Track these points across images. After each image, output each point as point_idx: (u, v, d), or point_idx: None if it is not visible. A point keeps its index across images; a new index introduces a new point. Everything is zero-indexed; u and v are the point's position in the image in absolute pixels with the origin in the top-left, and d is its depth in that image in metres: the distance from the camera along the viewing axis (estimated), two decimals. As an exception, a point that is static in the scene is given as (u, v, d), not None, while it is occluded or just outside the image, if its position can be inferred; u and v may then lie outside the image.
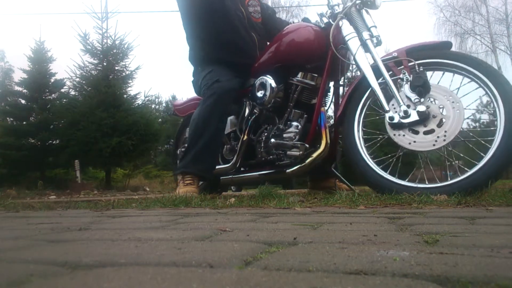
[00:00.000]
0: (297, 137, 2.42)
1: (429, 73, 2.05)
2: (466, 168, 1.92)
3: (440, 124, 1.95)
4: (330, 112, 3.51)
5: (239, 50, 2.72)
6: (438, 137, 1.93)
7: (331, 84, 2.61)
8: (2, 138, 9.21)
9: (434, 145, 1.94)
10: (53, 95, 9.91)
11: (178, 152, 3.34)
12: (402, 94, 2.03)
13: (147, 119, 8.61)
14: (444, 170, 2.99)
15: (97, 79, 8.61)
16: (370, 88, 2.16)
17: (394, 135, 2.04)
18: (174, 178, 3.52)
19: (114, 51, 9.02)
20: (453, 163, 2.11)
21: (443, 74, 2.10)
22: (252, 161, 2.69)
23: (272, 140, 2.46)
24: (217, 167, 2.77)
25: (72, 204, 2.32)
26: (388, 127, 2.07)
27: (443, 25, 19.14)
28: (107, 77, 8.73)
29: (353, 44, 2.23)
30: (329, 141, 2.33)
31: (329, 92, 2.64)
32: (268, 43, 2.76)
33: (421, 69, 1.99)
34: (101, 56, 8.99)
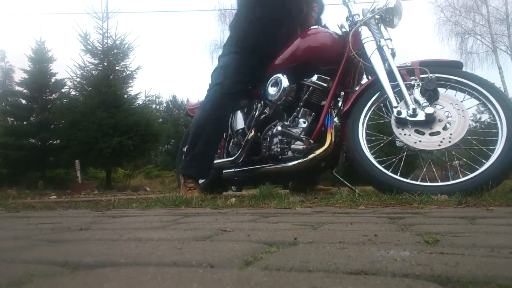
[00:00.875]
0: (303, 133, 2.46)
1: (440, 90, 2.11)
2: (467, 172, 1.95)
3: (445, 128, 2.01)
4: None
5: (276, 41, 2.72)
6: (443, 138, 1.98)
7: (343, 93, 2.67)
8: (2, 138, 9.22)
9: (439, 145, 1.98)
10: (53, 95, 9.92)
11: (185, 149, 3.41)
12: (412, 97, 2.08)
13: (148, 119, 8.61)
14: (445, 170, 3.00)
15: (98, 79, 8.62)
16: (378, 93, 2.23)
17: (400, 134, 2.08)
18: (176, 176, 3.58)
19: (115, 51, 9.03)
20: (453, 163, 2.13)
21: (447, 89, 2.17)
22: (256, 157, 2.73)
23: (279, 127, 2.51)
24: (221, 160, 2.90)
25: (73, 204, 2.33)
26: (394, 126, 2.12)
27: (444, 25, 19.14)
28: (107, 77, 8.74)
29: (369, 46, 2.31)
30: (333, 140, 2.36)
31: (340, 98, 2.68)
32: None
33: (434, 76, 2.06)
34: (102, 56, 9.00)
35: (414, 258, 0.60)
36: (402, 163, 2.12)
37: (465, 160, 2.18)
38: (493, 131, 2.01)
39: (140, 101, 9.27)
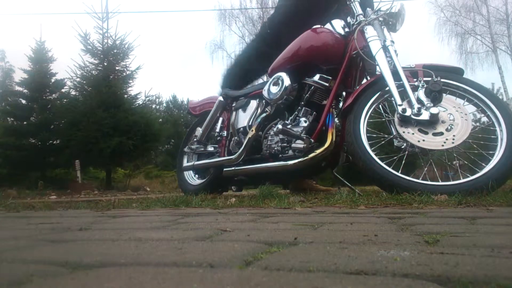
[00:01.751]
0: (303, 132, 2.47)
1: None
2: (466, 173, 1.97)
3: (449, 129, 2.04)
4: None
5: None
6: (446, 139, 2.00)
7: (344, 93, 2.67)
8: (2, 138, 9.21)
9: (442, 145, 2.00)
10: (53, 95, 9.90)
11: (186, 149, 3.45)
12: (416, 97, 2.10)
13: (148, 119, 8.60)
14: (445, 170, 3.01)
15: (98, 79, 8.60)
16: (380, 92, 2.24)
17: (403, 132, 2.09)
18: (176, 176, 3.60)
19: (115, 51, 9.01)
20: (454, 163, 2.14)
21: (447, 94, 2.20)
22: (257, 155, 2.74)
23: (279, 126, 2.52)
24: (221, 158, 2.92)
25: (73, 204, 2.33)
26: (397, 124, 2.13)
27: (444, 25, 19.14)
28: (107, 77, 8.72)
29: (375, 45, 2.32)
30: (334, 140, 2.36)
31: (341, 97, 2.68)
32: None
33: (439, 78, 2.07)
34: (102, 56, 8.98)
35: (414, 258, 0.60)
36: (403, 162, 2.13)
37: (465, 162, 2.19)
38: (492, 136, 2.03)
39: (140, 101, 9.25)
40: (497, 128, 2.02)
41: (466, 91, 2.15)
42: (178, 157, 3.64)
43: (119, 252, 0.71)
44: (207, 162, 3.12)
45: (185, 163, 3.44)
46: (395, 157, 2.18)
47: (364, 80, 2.56)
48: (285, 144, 2.51)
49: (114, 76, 8.94)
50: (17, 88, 10.44)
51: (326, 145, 2.35)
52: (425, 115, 2.04)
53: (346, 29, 2.63)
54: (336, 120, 2.58)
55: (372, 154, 2.11)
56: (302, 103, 2.58)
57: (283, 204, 1.79)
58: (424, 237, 0.83)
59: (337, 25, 2.70)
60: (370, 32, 2.38)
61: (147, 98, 9.55)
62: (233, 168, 2.84)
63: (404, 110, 2.09)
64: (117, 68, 9.13)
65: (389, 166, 2.09)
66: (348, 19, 2.63)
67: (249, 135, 2.72)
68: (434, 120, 2.03)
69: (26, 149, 8.95)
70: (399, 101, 2.12)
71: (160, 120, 13.81)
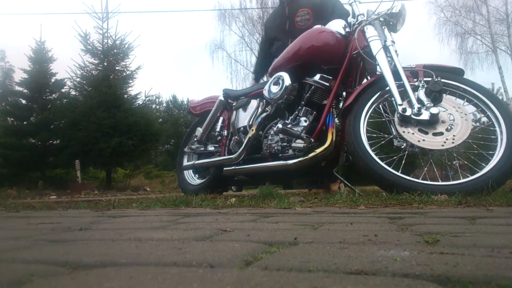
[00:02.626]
0: (304, 131, 2.47)
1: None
2: (466, 173, 1.97)
3: (449, 129, 2.04)
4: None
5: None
6: (447, 139, 2.01)
7: (344, 93, 2.68)
8: (2, 138, 9.21)
9: (443, 145, 2.00)
10: (53, 95, 9.90)
11: (186, 149, 3.45)
12: (416, 97, 2.11)
13: (148, 119, 8.60)
14: (445, 170, 3.02)
15: (98, 79, 8.60)
16: (380, 92, 2.24)
17: (404, 132, 2.09)
18: (176, 176, 3.61)
19: (115, 51, 9.01)
20: (454, 163, 2.15)
21: (447, 95, 2.21)
22: (257, 155, 2.75)
23: (280, 126, 2.53)
24: (222, 158, 2.93)
25: (73, 204, 2.33)
26: (397, 124, 2.13)
27: (444, 25, 19.11)
28: (107, 77, 8.72)
29: (375, 45, 2.33)
30: (334, 139, 2.36)
31: (341, 97, 2.69)
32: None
33: (439, 78, 2.07)
34: (102, 56, 8.98)
35: (414, 258, 0.60)
36: (403, 162, 2.13)
37: (465, 162, 2.20)
38: (492, 137, 2.03)
39: (140, 101, 9.25)
40: (497, 128, 2.02)
41: (466, 91, 2.15)
42: (178, 157, 3.65)
43: (119, 252, 0.71)
44: (207, 161, 3.12)
45: (185, 163, 3.45)
46: (395, 157, 2.18)
47: (365, 80, 2.56)
48: (285, 144, 2.51)
49: (114, 76, 8.94)
50: (17, 88, 10.44)
51: (326, 144, 2.35)
52: (425, 115, 2.04)
53: (347, 29, 2.64)
54: (336, 120, 2.58)
55: (372, 154, 2.11)
56: (303, 102, 2.58)
57: (283, 204, 1.79)
58: (424, 237, 0.83)
59: (338, 25, 2.70)
60: (370, 32, 2.38)
61: (147, 98, 9.55)
62: (233, 167, 2.85)
63: (404, 110, 2.09)
64: (117, 68, 9.12)
65: (389, 166, 2.09)
66: (349, 18, 2.63)
67: (250, 135, 2.73)
68: (434, 120, 2.03)
69: (26, 149, 8.96)
70: (399, 101, 2.13)
71: (160, 120, 13.82)
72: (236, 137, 2.95)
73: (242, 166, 2.79)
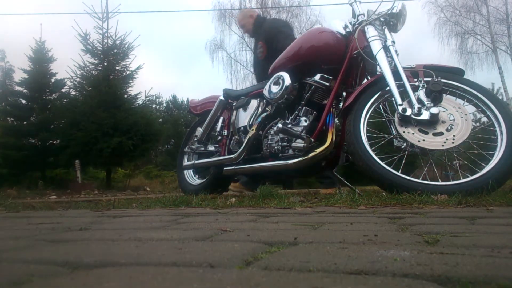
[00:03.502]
0: (304, 131, 2.47)
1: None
2: (466, 173, 1.97)
3: (449, 129, 2.04)
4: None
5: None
6: (447, 139, 2.01)
7: (344, 93, 2.68)
8: (2, 138, 9.20)
9: (443, 145, 2.01)
10: (53, 95, 9.89)
11: (186, 149, 3.46)
12: (416, 97, 2.11)
13: (148, 119, 8.59)
14: (445, 170, 3.02)
15: (98, 79, 8.59)
16: (380, 92, 2.24)
17: (404, 132, 2.09)
18: (176, 176, 3.62)
19: (115, 51, 9.00)
20: (453, 163, 2.15)
21: (447, 95, 2.20)
22: (258, 155, 2.75)
23: (280, 125, 2.53)
24: (222, 157, 2.94)
25: (73, 204, 2.33)
26: (397, 124, 2.13)
27: (444, 25, 19.09)
28: (107, 77, 8.71)
29: (376, 45, 2.33)
30: (334, 139, 2.36)
31: (341, 97, 2.68)
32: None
33: (439, 79, 2.08)
34: (102, 56, 8.97)
35: (414, 258, 0.60)
36: (403, 162, 2.13)
37: (465, 162, 2.20)
38: (492, 137, 2.03)
39: (140, 101, 9.24)
40: (497, 128, 2.02)
41: (466, 92, 2.15)
42: (178, 157, 3.65)
43: (119, 252, 0.71)
44: (207, 161, 3.12)
45: (186, 163, 3.45)
46: (395, 157, 2.18)
47: (365, 80, 2.56)
48: (285, 144, 2.51)
49: (114, 76, 8.93)
50: (17, 88, 10.44)
51: (326, 144, 2.35)
52: (425, 115, 2.04)
53: (347, 29, 2.64)
54: (336, 120, 2.59)
55: (372, 154, 2.11)
56: (303, 102, 2.58)
57: (283, 204, 1.79)
58: (424, 237, 0.83)
59: (338, 25, 2.70)
60: (371, 32, 2.39)
61: (147, 98, 9.54)
62: (233, 167, 2.85)
63: (404, 110, 2.09)
64: (117, 68, 9.12)
65: (389, 166, 2.09)
66: (350, 18, 2.63)
67: (250, 134, 2.73)
68: (434, 120, 2.03)
69: (26, 149, 8.95)
70: (399, 101, 2.13)
71: (160, 120, 13.80)
72: (236, 137, 2.95)
73: (242, 166, 2.79)
